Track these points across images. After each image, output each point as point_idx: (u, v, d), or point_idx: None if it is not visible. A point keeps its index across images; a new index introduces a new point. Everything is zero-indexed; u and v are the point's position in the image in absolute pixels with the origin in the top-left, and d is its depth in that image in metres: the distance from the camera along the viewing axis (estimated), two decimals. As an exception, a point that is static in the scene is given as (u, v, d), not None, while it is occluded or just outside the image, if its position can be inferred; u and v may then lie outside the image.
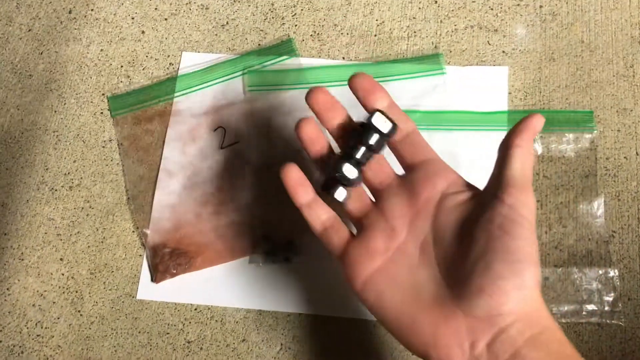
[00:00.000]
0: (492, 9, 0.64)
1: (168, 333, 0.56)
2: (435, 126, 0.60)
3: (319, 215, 0.43)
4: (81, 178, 0.61)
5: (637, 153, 0.57)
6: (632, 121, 0.58)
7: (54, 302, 0.57)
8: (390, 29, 0.64)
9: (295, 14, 0.66)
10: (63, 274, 0.58)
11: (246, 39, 0.65)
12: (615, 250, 0.55)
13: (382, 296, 0.39)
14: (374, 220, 0.42)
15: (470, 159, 0.58)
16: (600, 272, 0.54)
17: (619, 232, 0.55)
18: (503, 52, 0.62)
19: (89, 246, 0.59)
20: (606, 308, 0.53)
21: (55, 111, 0.64)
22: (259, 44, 0.65)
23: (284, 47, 0.64)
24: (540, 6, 0.64)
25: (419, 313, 0.37)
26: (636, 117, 0.59)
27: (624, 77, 0.60)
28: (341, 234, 0.43)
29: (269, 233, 0.57)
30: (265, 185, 0.59)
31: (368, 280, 0.40)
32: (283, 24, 0.65)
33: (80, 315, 0.57)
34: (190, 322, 0.56)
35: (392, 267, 0.40)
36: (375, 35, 0.64)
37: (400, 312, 0.38)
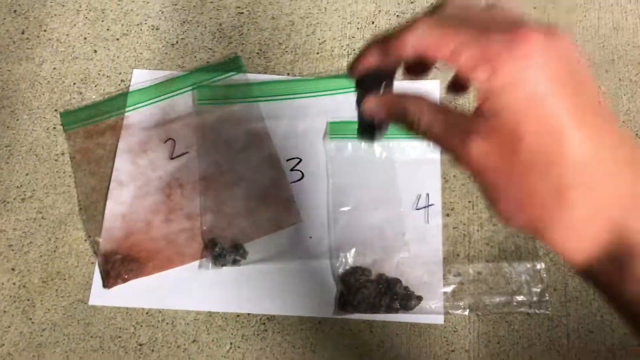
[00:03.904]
0: (425, 29, 0.69)
1: (120, 337, 0.57)
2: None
3: None
4: (34, 190, 0.63)
5: (558, 157, 0.62)
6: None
7: (4, 311, 0.58)
8: (331, 47, 0.69)
9: (242, 33, 0.70)
10: (14, 284, 0.59)
11: (195, 57, 0.69)
12: (542, 246, 0.59)
13: None
14: None
15: (406, 165, 0.62)
16: (528, 265, 0.59)
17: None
18: (435, 67, 0.67)
19: (41, 255, 0.60)
20: (534, 298, 0.58)
21: (7, 127, 0.65)
22: (208, 62, 0.68)
23: (232, 64, 0.67)
24: (469, 26, 0.69)
25: None
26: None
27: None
28: None
29: (218, 238, 0.60)
30: (213, 193, 0.62)
31: None
32: (230, 42, 0.69)
33: (32, 322, 0.58)
34: (141, 326, 0.58)
35: None
36: (317, 53, 0.68)
37: None
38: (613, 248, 0.28)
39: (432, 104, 0.32)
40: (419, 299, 0.57)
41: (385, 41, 0.32)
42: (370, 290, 0.56)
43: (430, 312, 0.57)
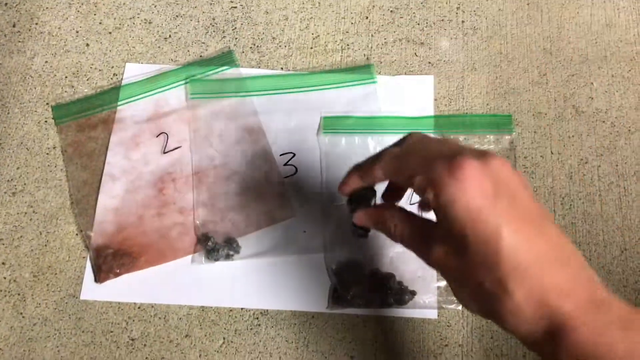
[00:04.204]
0: (418, 24, 0.69)
1: (112, 331, 0.57)
2: (368, 130, 0.63)
3: None
4: (25, 184, 0.62)
5: (551, 152, 0.63)
6: (546, 123, 0.64)
7: (-5, 306, 0.58)
8: (325, 42, 0.69)
9: (235, 27, 0.69)
10: (5, 278, 0.59)
11: (188, 51, 0.68)
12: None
13: None
14: None
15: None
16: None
17: (537, 224, 0.60)
18: (429, 62, 0.67)
19: (32, 250, 0.60)
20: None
21: (-2, 120, 0.65)
22: (201, 56, 0.68)
23: (225, 58, 0.67)
24: (463, 21, 0.69)
25: None
26: (550, 119, 0.64)
27: (538, 84, 0.66)
28: None
29: (211, 232, 0.59)
30: (206, 187, 0.61)
31: None
32: (224, 37, 0.69)
33: (23, 317, 0.57)
34: (133, 320, 0.57)
35: None
36: (311, 48, 0.68)
37: None
38: (547, 326, 0.33)
39: (403, 215, 0.42)
40: (413, 293, 0.56)
41: (362, 169, 0.43)
42: (364, 285, 0.56)
43: (423, 307, 0.57)
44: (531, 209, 0.36)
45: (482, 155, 0.36)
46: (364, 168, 0.43)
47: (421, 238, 0.40)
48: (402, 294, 0.56)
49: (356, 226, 0.46)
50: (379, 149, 0.63)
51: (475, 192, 0.35)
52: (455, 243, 0.36)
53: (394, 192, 0.47)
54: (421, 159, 0.38)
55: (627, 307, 0.34)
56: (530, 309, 0.34)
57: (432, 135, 0.42)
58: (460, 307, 0.57)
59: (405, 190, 0.47)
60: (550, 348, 0.33)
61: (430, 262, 0.39)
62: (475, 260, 0.35)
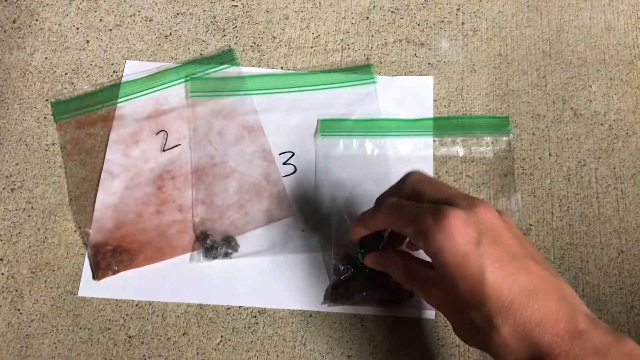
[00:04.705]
0: (419, 25, 0.70)
1: (109, 329, 0.57)
2: (367, 132, 0.64)
3: None
4: (23, 180, 0.62)
5: (550, 154, 0.63)
6: (545, 125, 0.64)
7: (-7, 302, 0.58)
8: (325, 42, 0.69)
9: (235, 26, 0.69)
10: (3, 274, 0.59)
11: (188, 49, 0.68)
12: (532, 241, 0.59)
13: None
14: None
15: (398, 162, 0.62)
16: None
17: (535, 225, 0.60)
18: (429, 63, 0.67)
19: (30, 246, 0.60)
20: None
21: (-3, 116, 0.65)
22: (201, 54, 0.68)
23: (225, 57, 0.67)
24: (462, 23, 0.70)
25: None
26: (549, 121, 0.64)
27: (537, 87, 0.66)
28: None
29: (209, 230, 0.59)
30: (206, 185, 0.61)
31: None
32: (224, 35, 0.69)
33: (20, 313, 0.57)
34: (131, 318, 0.57)
35: None
36: (311, 47, 0.68)
37: None
38: (531, 356, 0.37)
39: (405, 260, 0.47)
40: (411, 293, 0.57)
41: (364, 219, 0.47)
42: (362, 283, 0.57)
43: (421, 307, 0.57)
44: (515, 249, 0.40)
45: (469, 203, 0.40)
46: (366, 218, 0.47)
47: (420, 280, 0.45)
48: (399, 293, 0.56)
49: (362, 250, 0.54)
50: (377, 151, 0.64)
51: (460, 239, 0.38)
52: (448, 285, 0.40)
53: (397, 237, 0.52)
54: (413, 211, 0.42)
55: (606, 337, 0.37)
56: (516, 342, 0.37)
57: (429, 176, 0.47)
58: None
59: (405, 236, 0.50)
60: None
61: (429, 301, 0.45)
62: (465, 299, 0.39)
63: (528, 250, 0.40)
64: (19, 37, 0.69)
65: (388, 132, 0.64)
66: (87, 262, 0.59)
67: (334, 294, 0.57)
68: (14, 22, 0.70)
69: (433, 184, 0.45)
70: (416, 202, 0.43)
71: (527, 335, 0.37)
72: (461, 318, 0.41)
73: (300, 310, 0.57)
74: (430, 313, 0.57)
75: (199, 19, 0.70)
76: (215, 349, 0.56)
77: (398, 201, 0.44)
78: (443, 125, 0.64)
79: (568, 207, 0.61)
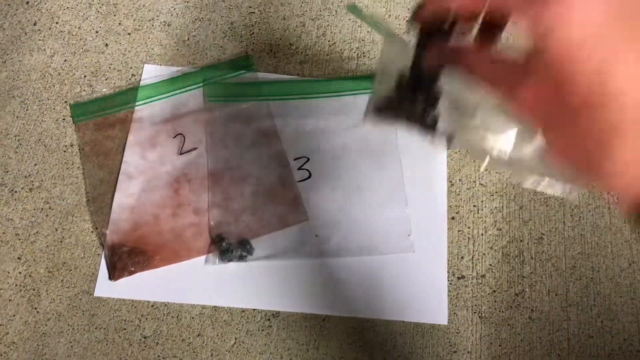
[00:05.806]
0: (433, 34, 0.70)
1: (125, 329, 0.57)
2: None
3: None
4: (41, 180, 0.63)
5: (562, 164, 0.63)
6: (557, 136, 0.65)
7: (10, 300, 0.58)
8: (341, 50, 0.70)
9: (253, 33, 0.70)
10: (20, 272, 0.59)
11: (206, 54, 0.69)
12: (544, 250, 0.60)
13: None
14: None
15: (411, 167, 0.63)
16: (530, 269, 0.60)
17: (547, 234, 0.61)
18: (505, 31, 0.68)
19: (47, 245, 0.60)
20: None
21: (17, 117, 0.66)
22: (219, 59, 0.69)
23: (242, 62, 0.68)
24: (477, 33, 0.70)
25: None
26: (561, 132, 0.65)
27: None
28: None
29: (224, 234, 0.60)
30: (221, 189, 0.62)
31: None
32: (241, 41, 0.70)
33: (37, 312, 0.58)
34: (146, 318, 0.58)
35: None
36: (327, 55, 0.69)
37: None
38: None
39: (491, 53, 0.32)
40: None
41: None
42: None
43: (434, 313, 0.57)
44: None
45: None
46: None
47: (508, 78, 0.31)
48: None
49: (415, 71, 0.38)
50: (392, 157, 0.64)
51: (588, 12, 0.27)
52: (555, 80, 0.28)
53: (487, 34, 0.35)
54: None
55: None
56: None
57: None
58: (470, 314, 0.57)
59: (501, 29, 0.35)
60: None
61: (522, 104, 0.30)
62: (582, 99, 0.28)
63: None
64: (40, 40, 0.70)
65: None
66: (103, 262, 0.60)
67: (376, 108, 0.47)
68: (34, 24, 0.71)
69: None
70: None
71: None
72: (564, 131, 0.29)
73: (314, 314, 0.58)
74: (442, 319, 0.57)
75: (216, 25, 0.71)
76: (229, 351, 0.57)
77: None
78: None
79: (580, 217, 0.61)
